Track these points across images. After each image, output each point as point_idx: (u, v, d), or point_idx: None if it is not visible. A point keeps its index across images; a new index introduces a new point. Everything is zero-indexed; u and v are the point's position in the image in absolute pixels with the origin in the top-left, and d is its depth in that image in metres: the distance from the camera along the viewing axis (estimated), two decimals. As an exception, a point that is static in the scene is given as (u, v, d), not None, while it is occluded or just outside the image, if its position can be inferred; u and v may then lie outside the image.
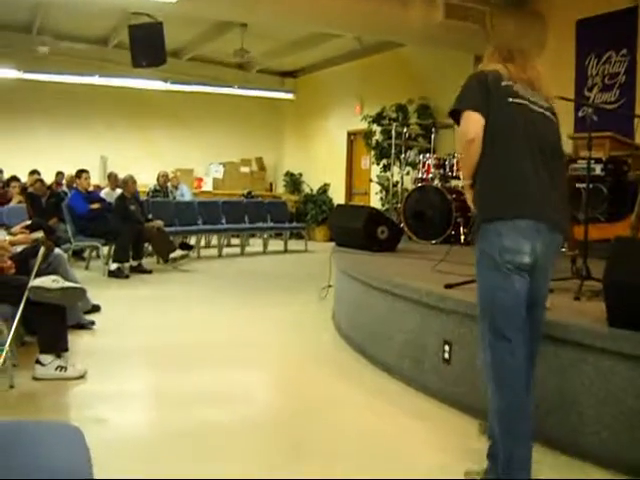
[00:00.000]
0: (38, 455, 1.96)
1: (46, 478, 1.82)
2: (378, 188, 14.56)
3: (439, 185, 9.51)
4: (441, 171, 9.78)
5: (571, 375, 3.66)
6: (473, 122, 3.28)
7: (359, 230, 7.58)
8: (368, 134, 15.31)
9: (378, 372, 5.26)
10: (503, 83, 3.33)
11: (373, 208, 9.15)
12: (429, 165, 9.99)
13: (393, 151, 11.41)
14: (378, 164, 14.65)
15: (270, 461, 3.64)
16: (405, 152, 11.86)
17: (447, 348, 4.44)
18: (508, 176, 3.24)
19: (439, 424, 4.16)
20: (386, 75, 15.26)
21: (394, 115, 14.26)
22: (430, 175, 9.82)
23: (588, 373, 3.58)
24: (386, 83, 15.22)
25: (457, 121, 3.42)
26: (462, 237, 8.95)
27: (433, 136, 11.43)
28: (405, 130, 11.58)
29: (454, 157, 9.71)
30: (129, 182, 11.20)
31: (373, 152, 14.99)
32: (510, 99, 3.30)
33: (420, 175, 10.12)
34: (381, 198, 14.60)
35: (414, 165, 12.44)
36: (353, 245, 7.56)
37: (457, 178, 9.74)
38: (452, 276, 5.15)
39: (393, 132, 11.24)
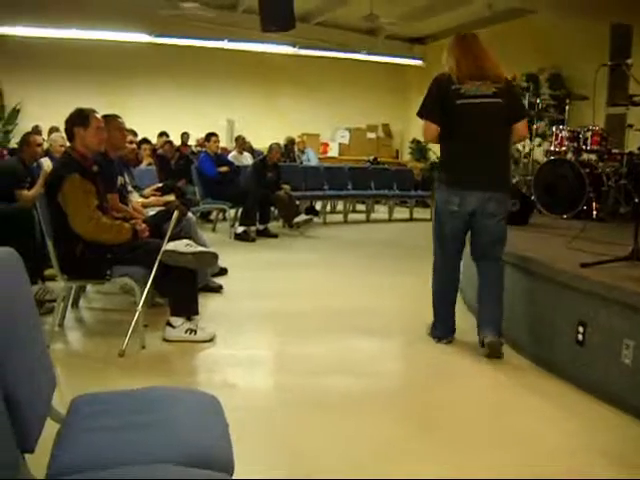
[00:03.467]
0: (179, 420, 2.00)
1: (186, 449, 1.85)
2: (506, 159, 14.18)
3: (572, 158, 9.18)
4: (575, 144, 9.38)
5: None
6: (429, 131, 4.85)
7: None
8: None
9: (504, 347, 5.12)
10: (453, 87, 4.66)
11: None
12: (562, 137, 9.65)
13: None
14: (506, 134, 14.21)
15: (397, 433, 3.60)
16: (535, 123, 11.50)
17: (581, 329, 4.29)
18: (450, 160, 4.92)
19: (566, 406, 4.04)
20: (516, 43, 14.72)
21: (525, 84, 13.84)
22: (563, 148, 9.50)
23: None
24: (516, 51, 14.67)
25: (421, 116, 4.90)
26: (594, 213, 8.63)
27: (567, 107, 11.01)
28: (538, 101, 11.23)
29: (588, 130, 9.33)
30: (274, 150, 11.33)
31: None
32: (458, 101, 4.66)
33: (552, 147, 9.80)
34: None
35: (544, 136, 12.09)
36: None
37: (591, 152, 9.37)
38: (587, 254, 5.00)
39: (526, 103, 10.93)
